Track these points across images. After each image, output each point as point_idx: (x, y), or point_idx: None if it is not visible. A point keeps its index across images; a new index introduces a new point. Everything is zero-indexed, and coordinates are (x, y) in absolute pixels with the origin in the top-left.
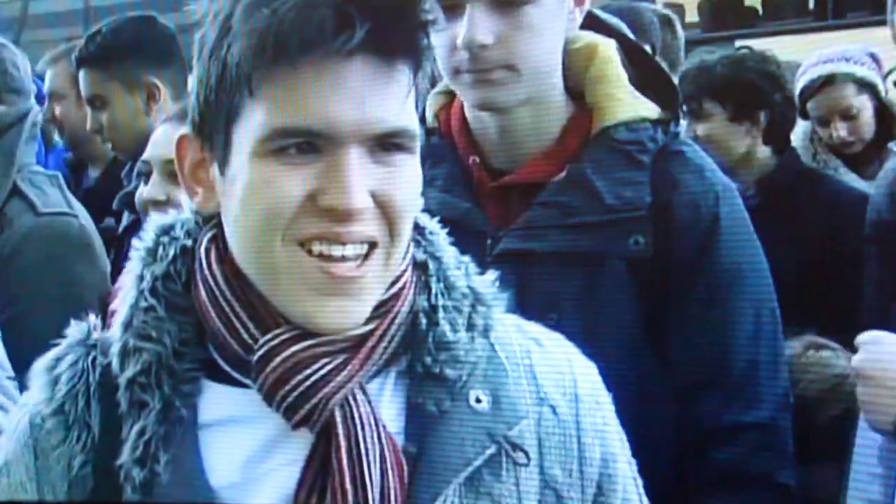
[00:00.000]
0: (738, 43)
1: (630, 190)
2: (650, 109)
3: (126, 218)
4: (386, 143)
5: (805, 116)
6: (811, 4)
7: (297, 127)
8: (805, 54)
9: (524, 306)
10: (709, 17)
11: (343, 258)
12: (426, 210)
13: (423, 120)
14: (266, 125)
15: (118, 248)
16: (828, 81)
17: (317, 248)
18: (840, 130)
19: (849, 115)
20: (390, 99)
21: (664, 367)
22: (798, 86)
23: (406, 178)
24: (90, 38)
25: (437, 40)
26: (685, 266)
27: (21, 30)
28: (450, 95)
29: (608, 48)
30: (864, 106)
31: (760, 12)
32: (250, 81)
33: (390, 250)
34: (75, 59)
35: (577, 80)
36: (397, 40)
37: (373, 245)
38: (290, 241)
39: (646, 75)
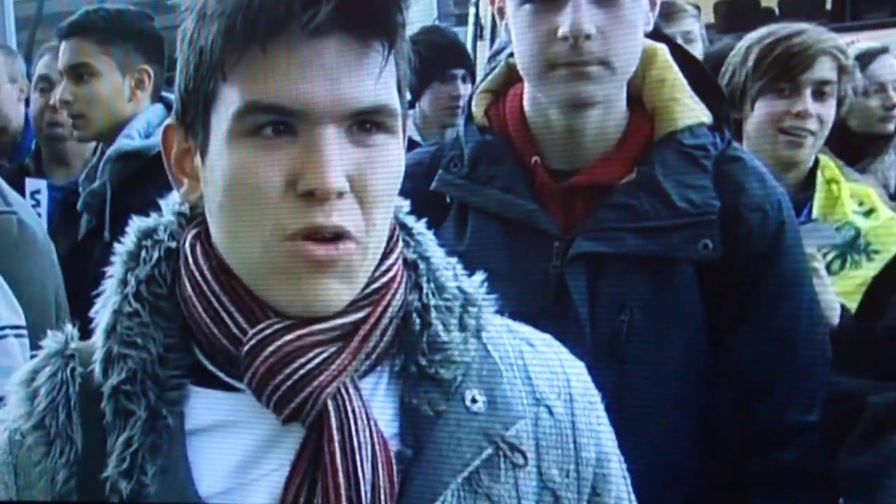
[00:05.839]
0: None
1: (698, 194)
2: (707, 114)
3: (84, 223)
4: (364, 123)
5: None
6: (828, 5)
7: (270, 103)
8: None
9: (595, 308)
10: (724, 17)
11: (322, 241)
12: (486, 209)
13: (470, 118)
14: (239, 101)
15: (81, 257)
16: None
17: (299, 240)
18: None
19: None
20: (365, 76)
21: (725, 368)
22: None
23: (385, 159)
24: (91, 11)
25: (530, 35)
26: (753, 270)
27: (36, 28)
28: (496, 94)
29: (665, 51)
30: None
31: (777, 13)
32: (223, 65)
33: (366, 242)
34: (67, 26)
35: (634, 82)
36: (369, 17)
37: (348, 235)
38: (276, 238)
39: (693, 80)
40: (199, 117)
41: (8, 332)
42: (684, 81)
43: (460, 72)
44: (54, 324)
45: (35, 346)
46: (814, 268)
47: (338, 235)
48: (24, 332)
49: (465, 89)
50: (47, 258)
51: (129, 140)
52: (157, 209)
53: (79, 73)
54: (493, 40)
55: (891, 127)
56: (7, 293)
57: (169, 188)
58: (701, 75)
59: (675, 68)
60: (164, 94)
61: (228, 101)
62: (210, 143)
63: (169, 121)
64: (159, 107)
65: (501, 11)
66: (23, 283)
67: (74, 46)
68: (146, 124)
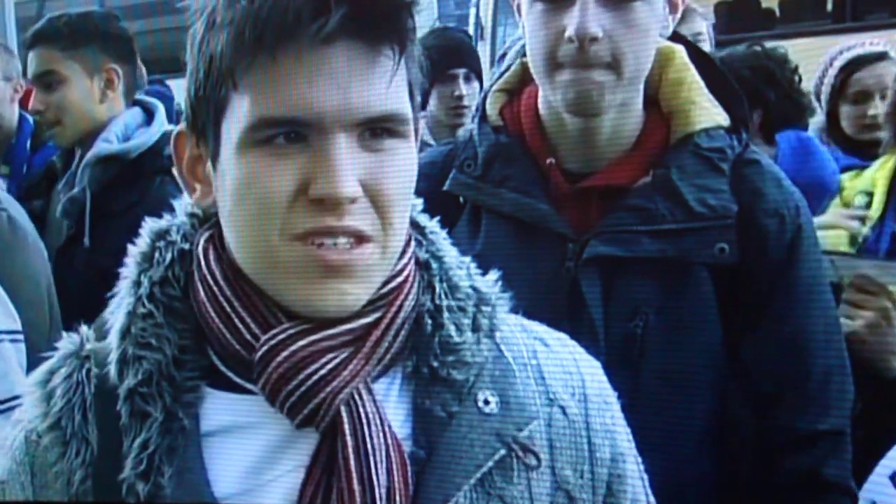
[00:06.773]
0: None
1: (714, 197)
2: (724, 117)
3: (65, 229)
4: (375, 129)
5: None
6: (829, 6)
7: (281, 116)
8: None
9: (609, 311)
10: (726, 18)
11: (336, 246)
12: (499, 210)
13: (484, 118)
14: (251, 115)
15: (61, 265)
16: (881, 57)
17: (312, 241)
18: (878, 108)
19: (885, 96)
20: (375, 83)
21: (739, 372)
22: (837, 64)
23: (398, 164)
24: (54, 18)
25: (540, 35)
26: (769, 275)
27: None
28: (510, 93)
29: (683, 53)
30: None
31: (777, 14)
32: (233, 73)
33: (385, 243)
34: (32, 35)
35: (651, 83)
36: (378, 23)
37: (365, 238)
38: (286, 238)
39: (710, 82)
40: (210, 125)
41: (3, 336)
42: (701, 83)
43: (461, 71)
44: (48, 320)
45: (31, 342)
46: (883, 306)
47: (357, 239)
48: (20, 336)
49: (467, 88)
50: (38, 255)
51: (108, 144)
52: (137, 213)
53: (47, 81)
54: (493, 41)
55: (878, 134)
56: (2, 297)
57: (148, 192)
58: (718, 77)
59: (693, 70)
60: (140, 97)
61: (239, 112)
62: (221, 151)
63: (180, 127)
64: (137, 110)
65: (519, 9)
66: (16, 279)
67: (40, 55)
68: (124, 127)
